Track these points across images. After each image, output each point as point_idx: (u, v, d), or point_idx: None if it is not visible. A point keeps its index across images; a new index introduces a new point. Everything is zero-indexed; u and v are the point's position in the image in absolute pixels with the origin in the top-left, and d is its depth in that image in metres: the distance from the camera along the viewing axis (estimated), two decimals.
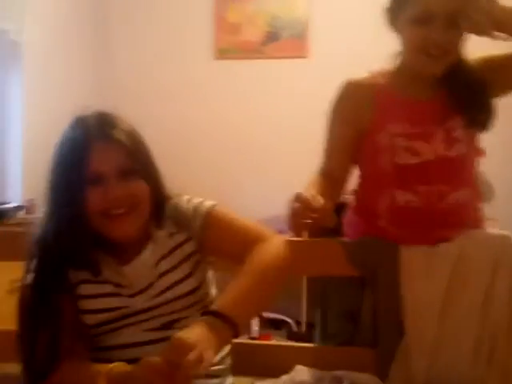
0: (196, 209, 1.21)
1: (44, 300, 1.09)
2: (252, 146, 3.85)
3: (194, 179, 3.15)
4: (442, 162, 1.44)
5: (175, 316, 1.17)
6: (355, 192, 1.60)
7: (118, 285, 1.15)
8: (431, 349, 1.36)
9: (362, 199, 1.57)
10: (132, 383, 0.98)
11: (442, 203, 1.43)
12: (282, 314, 3.58)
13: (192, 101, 3.87)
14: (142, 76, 3.94)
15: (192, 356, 0.90)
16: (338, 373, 1.34)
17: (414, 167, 1.43)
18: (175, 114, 3.86)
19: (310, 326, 3.25)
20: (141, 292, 1.16)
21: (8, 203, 2.67)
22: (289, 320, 3.55)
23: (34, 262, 1.13)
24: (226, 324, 1.00)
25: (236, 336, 1.03)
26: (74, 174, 1.09)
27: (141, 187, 1.14)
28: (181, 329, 1.09)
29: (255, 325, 3.34)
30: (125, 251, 1.17)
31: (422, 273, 1.40)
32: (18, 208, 2.62)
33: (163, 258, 1.18)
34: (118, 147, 1.12)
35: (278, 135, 3.80)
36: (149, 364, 0.94)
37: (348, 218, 1.61)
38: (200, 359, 0.91)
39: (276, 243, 1.19)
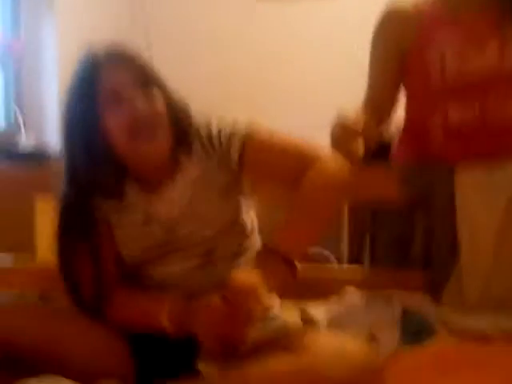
0: (231, 130, 1.10)
1: (80, 235, 1.07)
2: (294, 85, 3.75)
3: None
4: (497, 73, 1.34)
5: (213, 244, 1.11)
6: (406, 113, 1.51)
7: (148, 215, 1.10)
8: (486, 274, 1.31)
9: (411, 124, 1.49)
10: (193, 321, 0.96)
11: (499, 115, 1.34)
12: (321, 248, 3.53)
13: (232, 43, 3.77)
14: (180, 17, 3.84)
15: (252, 301, 0.89)
16: (390, 293, 1.31)
17: (468, 78, 1.34)
18: (213, 57, 3.78)
19: (352, 263, 3.22)
20: (174, 220, 1.10)
21: (47, 147, 2.68)
22: (328, 254, 3.51)
23: (64, 198, 1.09)
24: (284, 263, 0.97)
25: (294, 273, 1.00)
26: (89, 99, 1.03)
27: (160, 97, 1.06)
28: (221, 257, 1.10)
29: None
30: (152, 181, 1.10)
31: (479, 196, 1.33)
32: (58, 152, 2.61)
33: (193, 187, 1.10)
34: (129, 64, 1.06)
35: (321, 75, 3.69)
36: (210, 304, 0.93)
37: (397, 148, 1.54)
38: (259, 303, 0.90)
39: (330, 162, 1.08)
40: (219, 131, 1.09)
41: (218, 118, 1.12)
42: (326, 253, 3.49)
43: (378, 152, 1.59)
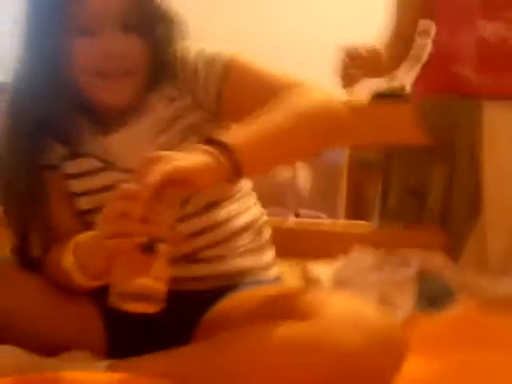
0: (210, 62, 0.93)
1: (29, 177, 0.91)
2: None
3: None
4: None
5: (183, 212, 0.92)
6: (433, 40, 1.36)
7: (103, 160, 0.94)
8: None
9: (438, 43, 1.33)
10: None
11: None
12: (318, 210, 3.45)
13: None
14: None
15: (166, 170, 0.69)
16: (405, 253, 1.19)
17: None
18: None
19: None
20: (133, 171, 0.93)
21: None
22: (324, 216, 3.42)
23: (9, 131, 0.93)
24: (226, 157, 0.74)
25: (238, 177, 0.77)
26: (63, 14, 0.85)
27: (140, 48, 0.90)
28: (193, 208, 0.92)
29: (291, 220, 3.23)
30: (112, 120, 0.95)
31: (509, 134, 1.21)
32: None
33: (163, 129, 0.94)
34: None
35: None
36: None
37: (417, 82, 1.39)
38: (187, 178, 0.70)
39: (321, 90, 0.88)
40: (197, 61, 0.93)
41: (197, 45, 0.95)
42: (321, 214, 3.40)
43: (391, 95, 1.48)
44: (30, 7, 0.89)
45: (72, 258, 0.81)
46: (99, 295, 0.87)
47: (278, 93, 0.85)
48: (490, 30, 1.21)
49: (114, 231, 0.70)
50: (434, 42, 1.35)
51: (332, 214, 3.38)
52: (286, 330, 0.72)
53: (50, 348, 0.84)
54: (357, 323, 0.71)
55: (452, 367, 0.88)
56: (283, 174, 3.33)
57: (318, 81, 0.95)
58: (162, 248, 0.71)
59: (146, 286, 0.70)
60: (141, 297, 0.70)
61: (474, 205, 1.23)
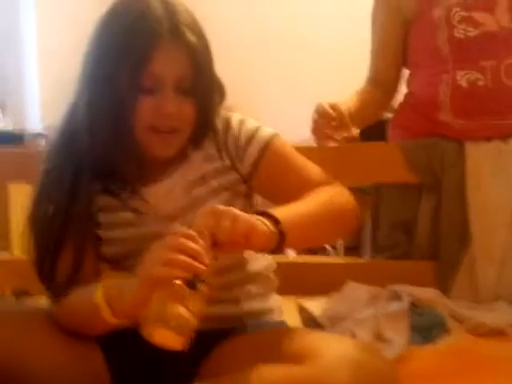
0: (251, 136, 1.00)
1: (70, 219, 0.94)
2: (280, 64, 3.65)
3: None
4: (507, 34, 1.26)
5: None
6: (408, 86, 1.42)
7: (136, 210, 0.97)
8: (501, 257, 1.23)
9: (417, 93, 1.39)
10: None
11: (511, 80, 1.26)
12: None
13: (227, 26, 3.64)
14: None
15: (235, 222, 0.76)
16: (397, 288, 1.22)
17: (476, 40, 1.26)
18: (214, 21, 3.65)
19: (348, 250, 3.15)
20: (165, 220, 0.97)
21: (25, 129, 2.55)
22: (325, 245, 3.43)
23: (57, 175, 0.96)
24: (276, 228, 0.83)
25: (280, 249, 0.85)
26: (130, 71, 0.88)
27: (191, 111, 0.95)
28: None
29: (291, 251, 3.24)
30: (151, 171, 0.99)
31: (491, 172, 1.25)
32: (37, 135, 2.48)
33: (196, 183, 0.99)
34: (188, 52, 0.90)
35: (308, 53, 3.59)
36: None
37: (400, 117, 1.44)
38: (246, 231, 0.76)
39: (345, 191, 0.99)
40: (239, 130, 1.00)
41: (239, 116, 1.03)
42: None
43: (374, 132, 1.52)
44: (97, 63, 0.93)
45: (103, 296, 0.82)
46: (104, 339, 0.91)
47: (308, 186, 0.96)
48: (462, 77, 1.27)
49: (168, 262, 0.75)
50: (410, 88, 1.41)
51: (334, 246, 3.41)
52: (283, 374, 0.75)
53: None
54: (350, 367, 0.73)
55: None
56: None
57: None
58: (204, 289, 0.76)
59: (182, 315, 0.73)
60: (175, 325, 0.72)
61: (462, 239, 1.25)
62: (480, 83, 1.26)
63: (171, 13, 0.90)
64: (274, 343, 0.84)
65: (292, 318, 1.19)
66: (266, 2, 3.62)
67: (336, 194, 0.96)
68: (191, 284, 0.74)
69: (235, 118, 1.02)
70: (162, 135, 0.93)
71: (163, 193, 0.98)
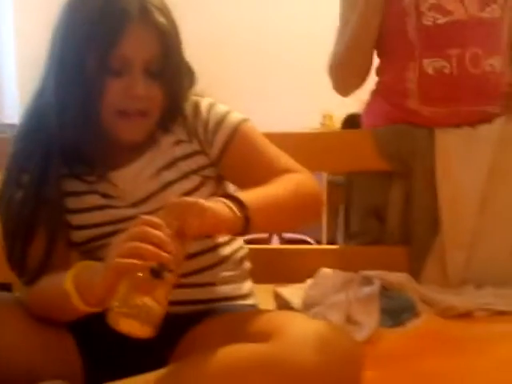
0: (221, 120, 1.01)
1: (40, 204, 0.93)
2: (262, 57, 3.65)
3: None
4: (474, 23, 1.28)
5: None
6: (378, 74, 1.43)
7: (105, 194, 0.98)
8: (470, 242, 1.26)
9: (386, 81, 1.40)
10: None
11: (476, 69, 1.28)
12: (302, 233, 3.50)
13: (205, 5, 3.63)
14: None
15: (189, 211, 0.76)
16: (368, 273, 1.24)
17: (444, 28, 1.28)
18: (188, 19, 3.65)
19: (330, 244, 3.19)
20: (136, 205, 0.98)
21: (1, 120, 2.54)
22: (309, 240, 3.47)
23: (30, 156, 0.95)
24: (242, 213, 0.84)
25: (245, 233, 0.86)
26: (99, 53, 0.88)
27: (159, 96, 0.95)
28: None
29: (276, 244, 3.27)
30: (120, 156, 0.99)
31: (460, 159, 1.27)
32: (13, 126, 2.46)
33: (166, 167, 0.99)
34: (157, 34, 0.91)
35: (292, 46, 3.60)
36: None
37: (370, 104, 1.45)
38: (206, 218, 0.77)
39: (311, 179, 1.01)
40: (209, 114, 1.01)
41: (209, 100, 1.03)
42: (304, 237, 3.47)
43: (348, 122, 1.54)
44: (62, 42, 0.93)
45: (72, 283, 0.83)
46: (76, 325, 0.92)
47: (275, 172, 0.97)
48: (429, 64, 1.29)
49: (131, 250, 0.75)
50: (380, 76, 1.42)
51: (317, 236, 3.44)
52: (249, 352, 0.76)
53: (27, 379, 0.85)
54: (315, 344, 0.75)
55: (411, 377, 0.92)
56: None
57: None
58: (169, 277, 0.76)
59: (147, 305, 0.73)
60: (140, 315, 0.73)
61: (433, 225, 1.28)
62: (446, 71, 1.28)
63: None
64: (242, 324, 0.86)
65: (267, 305, 1.21)
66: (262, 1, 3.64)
67: (302, 181, 0.98)
68: (157, 273, 0.74)
69: (205, 103, 1.02)
70: (130, 119, 0.93)
71: (131, 177, 0.98)
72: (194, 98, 1.03)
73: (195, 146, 1.01)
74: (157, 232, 0.76)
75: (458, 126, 1.30)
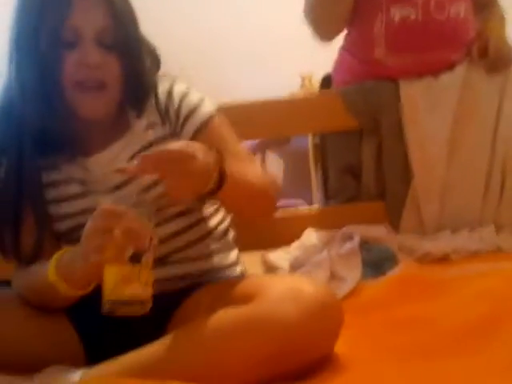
0: (193, 109, 1.01)
1: (22, 198, 0.96)
2: (241, 22, 3.63)
3: (178, 58, 2.97)
4: None
5: (158, 206, 0.98)
6: (346, 28, 1.45)
7: (83, 181, 0.99)
8: (441, 190, 1.31)
9: (354, 31, 1.42)
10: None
11: (441, 15, 1.31)
12: (293, 198, 3.54)
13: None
14: None
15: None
16: (348, 229, 1.29)
17: None
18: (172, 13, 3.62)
19: None
20: (114, 189, 0.98)
21: None
22: (302, 204, 3.50)
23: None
24: (218, 164, 0.85)
25: (218, 187, 0.87)
26: (51, 26, 0.90)
27: (116, 68, 0.95)
28: (167, 217, 0.99)
29: None
30: (94, 141, 1.00)
31: (426, 109, 1.31)
32: None
33: (141, 151, 0.99)
34: (106, 7, 0.93)
35: (269, 10, 3.58)
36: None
37: (339, 61, 1.48)
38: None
39: (269, 179, 1.03)
40: (181, 101, 1.01)
41: (184, 86, 1.03)
42: (299, 201, 3.50)
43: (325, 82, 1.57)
44: (16, 23, 0.94)
45: (56, 272, 0.86)
46: (72, 309, 0.94)
47: (244, 167, 0.97)
48: (396, 12, 1.31)
49: (99, 245, 0.78)
50: (350, 32, 1.44)
51: (309, 199, 3.47)
52: (233, 315, 0.81)
53: (29, 366, 0.87)
54: (295, 299, 0.79)
55: (390, 322, 0.97)
56: None
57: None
58: (148, 257, 0.80)
59: (136, 293, 0.78)
60: (132, 303, 0.79)
61: (405, 176, 1.32)
62: (412, 17, 1.31)
63: None
64: (227, 291, 0.91)
65: (256, 270, 1.27)
66: None
67: (265, 181, 1.00)
68: (135, 258, 0.78)
69: (179, 89, 1.02)
70: (87, 91, 0.93)
71: (106, 162, 0.99)
72: (168, 80, 1.03)
73: (167, 129, 1.02)
74: (123, 221, 0.78)
75: (421, 75, 1.33)
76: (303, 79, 3.40)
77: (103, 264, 0.79)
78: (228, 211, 1.05)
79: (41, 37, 0.91)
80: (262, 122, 1.39)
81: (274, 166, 3.65)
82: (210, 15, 3.58)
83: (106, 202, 0.82)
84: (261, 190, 0.98)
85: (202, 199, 0.90)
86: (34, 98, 0.93)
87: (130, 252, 0.79)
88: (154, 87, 1.03)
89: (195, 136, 1.00)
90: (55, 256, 0.88)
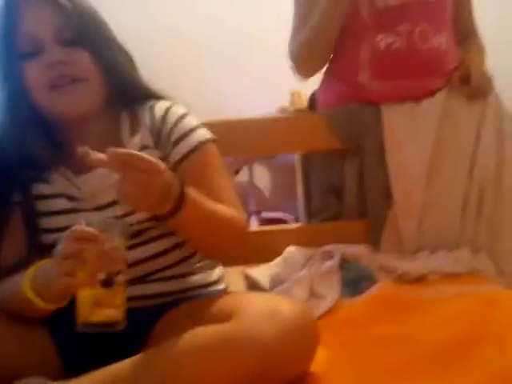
0: (186, 134, 1.01)
1: (10, 208, 0.97)
2: (231, 38, 3.67)
3: (170, 73, 2.99)
4: (422, 4, 1.37)
5: (144, 226, 1.00)
6: (330, 60, 1.49)
7: (72, 198, 0.98)
8: (420, 212, 1.34)
9: (340, 57, 1.46)
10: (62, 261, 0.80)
11: (424, 45, 1.36)
12: (281, 212, 3.57)
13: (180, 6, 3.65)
14: None
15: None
16: (329, 247, 1.32)
17: (395, 8, 1.35)
18: (161, 19, 3.65)
19: None
20: (102, 208, 0.99)
21: None
22: (288, 217, 3.54)
23: None
24: (179, 189, 0.86)
25: (175, 210, 0.87)
26: (5, 41, 0.91)
27: (85, 59, 0.95)
28: (152, 237, 1.00)
29: (254, 225, 3.32)
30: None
31: (407, 133, 1.35)
32: None
33: None
34: (56, 6, 0.93)
35: (260, 25, 3.62)
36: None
37: (324, 83, 1.52)
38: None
39: (244, 218, 1.02)
40: (176, 124, 1.01)
41: (181, 110, 1.03)
42: (285, 214, 3.54)
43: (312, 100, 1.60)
44: None
45: (31, 286, 0.85)
46: (50, 320, 0.93)
47: (216, 199, 0.96)
48: (381, 40, 1.36)
49: (70, 270, 0.78)
50: (336, 56, 1.47)
51: (295, 212, 3.50)
52: (212, 332, 0.82)
53: (6, 378, 0.87)
54: (272, 318, 0.81)
55: (364, 341, 0.99)
56: (240, 176, 3.44)
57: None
58: (120, 279, 0.81)
59: (109, 315, 0.80)
60: (106, 325, 0.81)
61: (386, 197, 1.36)
62: (396, 45, 1.35)
63: None
64: (206, 308, 0.92)
65: (237, 286, 1.28)
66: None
67: (237, 217, 0.98)
68: (107, 282, 0.80)
69: (175, 111, 1.02)
70: (62, 88, 0.93)
71: (97, 181, 0.99)
72: (166, 103, 1.03)
73: (159, 154, 1.00)
74: (93, 245, 0.79)
75: (402, 100, 1.38)
76: (292, 95, 3.45)
77: (75, 287, 0.81)
78: (190, 245, 1.01)
79: (2, 53, 0.93)
80: (247, 139, 1.42)
81: (261, 178, 3.69)
82: (196, 23, 3.62)
83: (80, 222, 0.82)
84: (228, 224, 0.96)
85: (162, 219, 0.89)
86: (10, 120, 0.95)
87: (102, 275, 0.79)
88: (147, 96, 1.03)
89: (184, 159, 1.00)
90: (30, 270, 0.88)
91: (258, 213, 3.45)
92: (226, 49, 3.65)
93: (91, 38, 0.97)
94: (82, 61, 0.96)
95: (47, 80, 0.93)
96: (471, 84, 1.36)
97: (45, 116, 0.96)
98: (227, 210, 0.97)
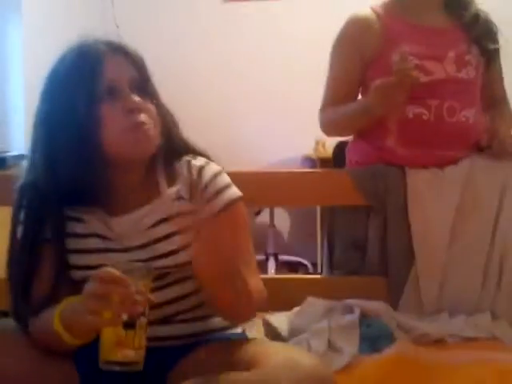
0: (220, 190, 1.06)
1: (40, 245, 1.01)
2: (260, 89, 3.76)
3: (201, 123, 3.07)
4: (452, 82, 1.42)
5: (166, 281, 1.05)
6: None
7: (104, 237, 1.03)
8: (441, 274, 1.36)
9: (369, 124, 1.49)
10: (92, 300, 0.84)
11: (452, 118, 1.41)
12: (298, 256, 3.59)
13: (200, 43, 3.77)
14: (150, 16, 3.82)
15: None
16: (349, 301, 1.33)
17: (425, 85, 1.40)
18: (183, 58, 3.77)
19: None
20: (130, 250, 1.03)
21: (10, 152, 2.61)
22: (305, 262, 3.55)
23: (24, 212, 1.03)
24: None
25: None
26: (88, 87, 0.98)
27: (153, 109, 1.03)
28: (174, 280, 1.04)
29: (271, 268, 3.34)
30: (122, 202, 1.04)
31: (430, 197, 1.38)
32: (20, 157, 2.51)
33: (163, 221, 1.03)
34: (130, 60, 1.03)
35: (286, 77, 3.71)
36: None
37: (353, 143, 1.57)
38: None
39: (265, 293, 1.06)
40: (211, 180, 1.06)
41: (216, 168, 1.09)
42: (300, 259, 3.56)
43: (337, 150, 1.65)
44: (52, 84, 1.02)
45: (60, 322, 0.89)
46: (76, 354, 0.97)
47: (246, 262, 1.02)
48: (410, 110, 1.41)
49: (96, 309, 0.83)
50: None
51: (313, 257, 3.51)
52: (231, 380, 0.85)
53: None
54: (292, 371, 0.84)
55: None
56: (261, 217, 3.47)
57: None
58: (142, 321, 0.86)
59: (129, 356, 0.85)
60: (126, 364, 0.86)
61: (408, 257, 1.38)
62: (424, 117, 1.40)
63: (110, 41, 1.05)
64: (229, 355, 0.95)
65: (257, 332, 1.30)
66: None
67: (263, 293, 1.05)
68: (129, 325, 0.85)
69: (210, 169, 1.08)
70: (139, 128, 1.00)
71: (130, 224, 1.03)
72: (202, 160, 1.09)
73: (191, 207, 1.05)
74: (119, 288, 0.83)
75: (427, 167, 1.42)
76: (317, 143, 3.52)
77: (99, 325, 0.85)
78: (209, 302, 1.02)
79: (78, 101, 0.97)
80: (274, 191, 1.47)
81: (282, 221, 3.73)
82: (227, 79, 3.72)
83: (112, 265, 0.87)
84: (252, 303, 1.01)
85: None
86: (68, 168, 0.99)
87: (125, 316, 0.84)
88: (185, 151, 1.10)
89: (216, 216, 1.05)
90: (60, 306, 0.92)
91: (275, 255, 3.49)
92: (259, 93, 3.76)
93: (154, 91, 1.06)
94: (152, 110, 1.04)
95: (127, 123, 0.99)
96: (497, 143, 1.40)
97: (104, 156, 1.00)
98: (256, 291, 1.01)
